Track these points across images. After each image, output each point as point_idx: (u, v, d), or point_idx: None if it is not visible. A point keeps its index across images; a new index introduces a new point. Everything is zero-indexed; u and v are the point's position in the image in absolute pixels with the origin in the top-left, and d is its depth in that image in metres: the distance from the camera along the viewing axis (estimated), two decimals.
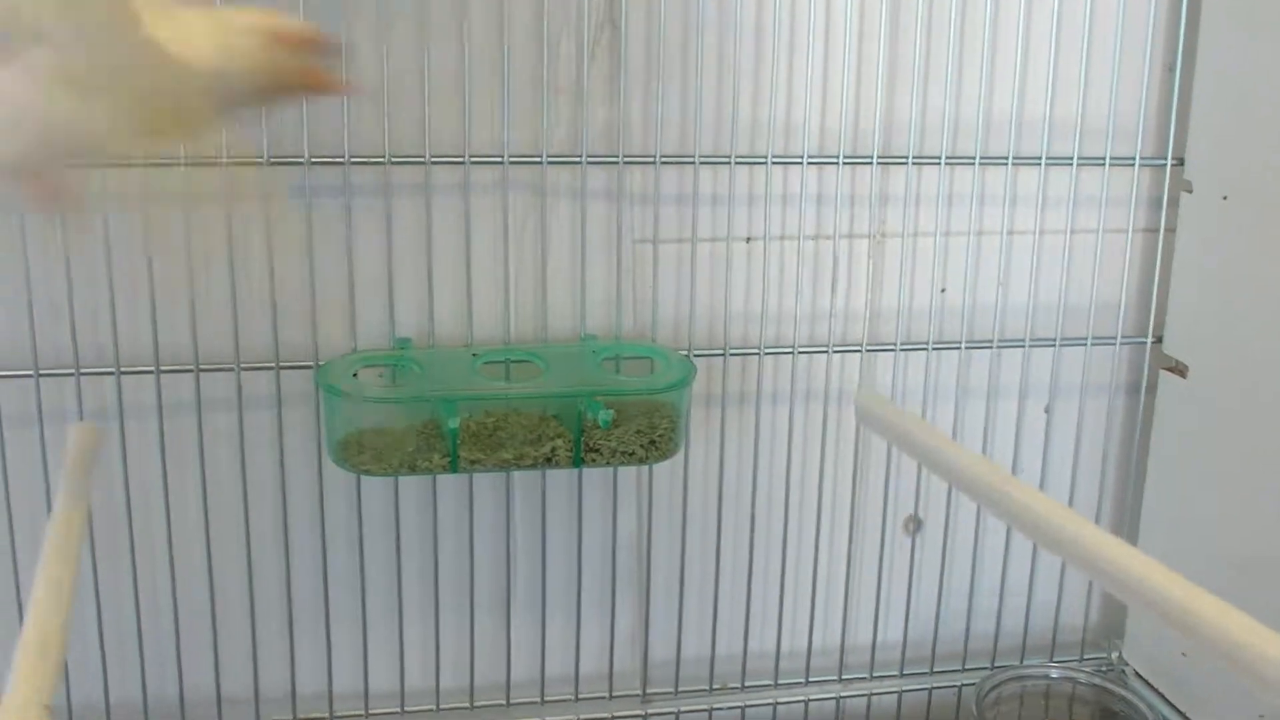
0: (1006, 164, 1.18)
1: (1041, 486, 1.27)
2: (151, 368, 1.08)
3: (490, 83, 1.09)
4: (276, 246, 1.07)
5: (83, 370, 1.07)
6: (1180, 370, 1.21)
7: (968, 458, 0.94)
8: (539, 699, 1.24)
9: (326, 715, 1.19)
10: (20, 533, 1.09)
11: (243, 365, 1.09)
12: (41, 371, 1.06)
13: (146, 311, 1.06)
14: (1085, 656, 1.33)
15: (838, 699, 1.29)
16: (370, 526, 1.16)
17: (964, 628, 1.30)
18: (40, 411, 1.06)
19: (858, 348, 1.20)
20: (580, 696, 1.24)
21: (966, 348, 1.22)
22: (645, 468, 1.19)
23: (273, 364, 1.09)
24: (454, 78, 1.08)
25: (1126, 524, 1.29)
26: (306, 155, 1.05)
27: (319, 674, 1.19)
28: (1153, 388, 1.26)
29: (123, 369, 1.08)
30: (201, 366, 1.09)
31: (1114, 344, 1.24)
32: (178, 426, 1.10)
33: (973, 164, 1.17)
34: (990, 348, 1.22)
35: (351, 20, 1.05)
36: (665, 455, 1.08)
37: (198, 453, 1.10)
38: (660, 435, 1.07)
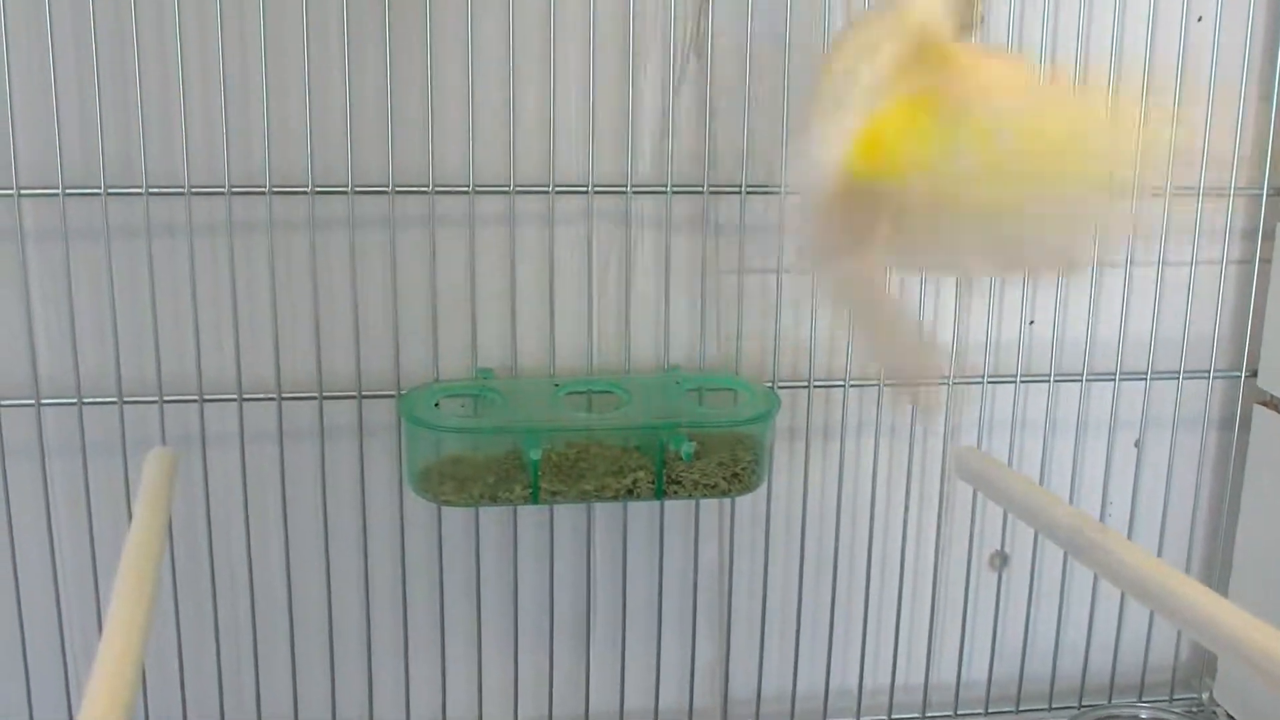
0: None
1: (1131, 523, 1.25)
2: (234, 396, 1.08)
3: (576, 112, 1.08)
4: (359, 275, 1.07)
5: (166, 398, 1.07)
6: (1275, 405, 1.19)
7: (1060, 509, 0.92)
8: None
9: None
10: (102, 560, 1.09)
11: (325, 394, 1.09)
12: (126, 399, 1.06)
13: (230, 340, 1.06)
14: (1175, 696, 1.30)
15: None
16: (450, 556, 1.15)
17: (1050, 665, 1.27)
18: (124, 439, 1.06)
19: (944, 380, 1.18)
20: None
21: (1055, 381, 1.19)
22: (727, 500, 1.18)
23: (355, 393, 1.09)
24: (539, 107, 1.07)
25: (1218, 562, 1.26)
26: (391, 184, 1.05)
27: (397, 702, 1.18)
28: (1246, 423, 1.23)
29: (206, 397, 1.08)
30: (284, 395, 1.09)
31: (1207, 378, 1.21)
32: (260, 455, 1.10)
33: None
34: (1079, 381, 1.20)
35: (436, 49, 1.04)
36: (748, 489, 1.07)
37: (279, 481, 1.10)
38: (743, 468, 1.06)
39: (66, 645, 1.11)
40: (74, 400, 1.06)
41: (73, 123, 1.02)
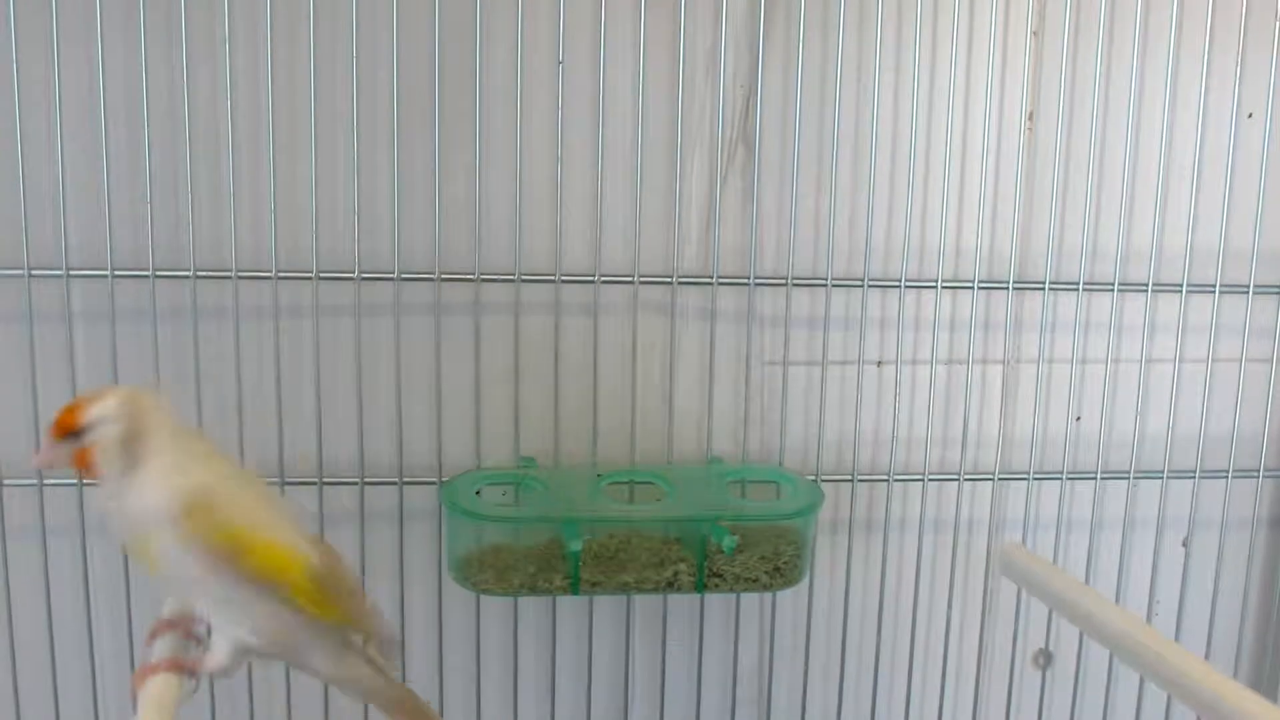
0: (1146, 290, 1.15)
1: (1178, 622, 1.23)
2: (277, 479, 1.07)
3: (622, 201, 1.09)
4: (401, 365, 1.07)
5: None
6: None
7: (1106, 609, 0.91)
8: None
9: None
10: (139, 644, 1.09)
11: (366, 479, 1.08)
12: None
13: (273, 422, 1.06)
14: None
15: None
16: (488, 645, 1.14)
17: None
18: None
19: (989, 476, 1.17)
20: None
21: (1102, 478, 1.18)
22: (769, 594, 1.17)
23: (396, 479, 1.09)
24: (586, 196, 1.08)
25: (1269, 662, 1.24)
26: (438, 272, 1.05)
27: None
28: None
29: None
30: (325, 480, 1.08)
31: (1256, 477, 1.20)
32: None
33: (1111, 290, 1.14)
34: (1126, 478, 1.19)
35: (484, 138, 1.05)
36: (790, 583, 1.05)
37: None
38: (785, 562, 1.05)
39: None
40: None
41: (122, 205, 1.03)
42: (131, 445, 0.76)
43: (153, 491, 0.75)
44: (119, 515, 0.76)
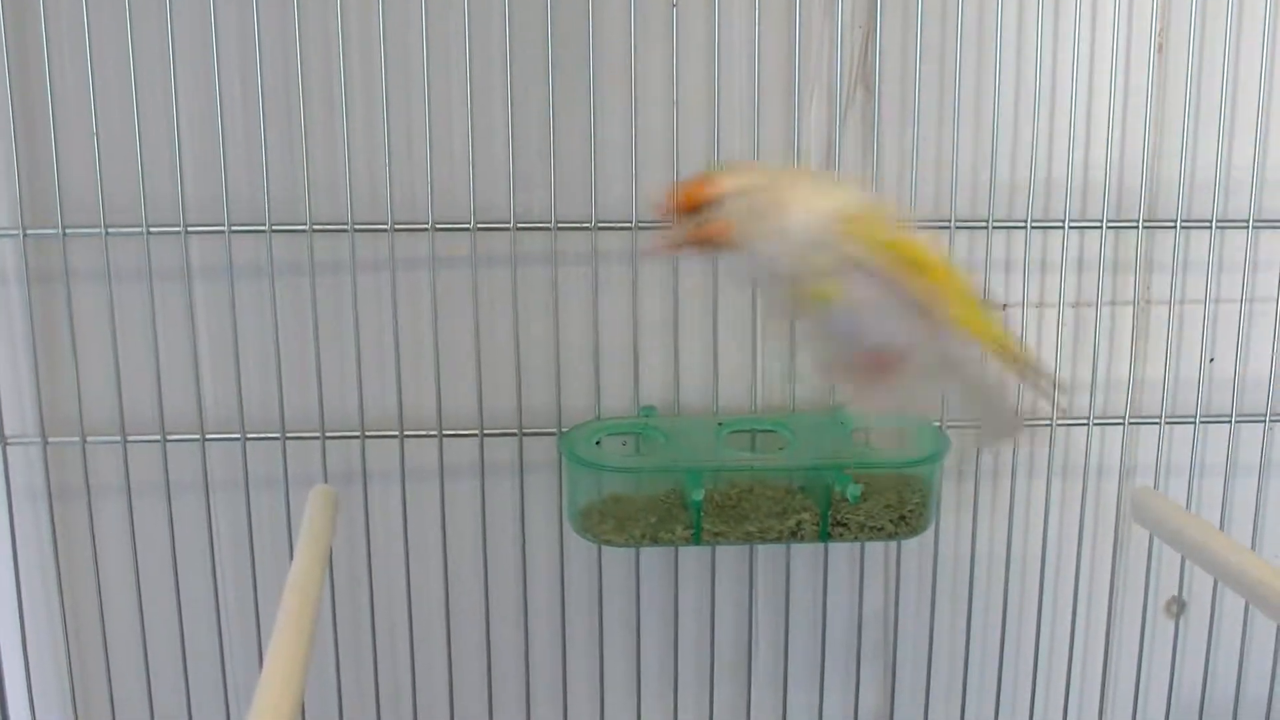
0: None
1: None
2: (395, 433, 1.07)
3: (740, 147, 1.07)
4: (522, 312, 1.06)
5: (329, 435, 1.07)
6: None
7: (1242, 557, 0.88)
8: None
9: None
10: (264, 594, 1.10)
11: (486, 431, 1.08)
12: (289, 435, 1.07)
13: (392, 376, 1.06)
14: None
15: None
16: (610, 596, 1.14)
17: (1231, 716, 1.22)
18: (286, 475, 1.07)
19: (1120, 420, 1.14)
20: None
21: (1237, 422, 1.15)
22: (893, 543, 1.15)
23: (516, 430, 1.08)
24: (704, 142, 1.06)
25: None
26: (554, 221, 1.04)
27: None
28: None
29: (368, 434, 1.08)
30: (445, 432, 1.08)
31: None
32: (420, 492, 1.10)
33: (1245, 227, 1.11)
34: (1263, 421, 1.15)
35: (599, 86, 1.03)
36: (915, 531, 1.04)
37: (439, 518, 1.10)
38: (911, 511, 1.03)
39: (228, 678, 1.11)
40: (238, 436, 1.07)
41: (238, 161, 1.03)
42: (769, 213, 0.75)
43: (804, 215, 0.74)
44: (770, 256, 0.75)
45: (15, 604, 1.08)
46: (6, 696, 1.10)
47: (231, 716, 1.12)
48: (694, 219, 0.75)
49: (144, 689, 1.12)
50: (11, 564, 1.08)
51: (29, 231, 1.02)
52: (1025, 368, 0.80)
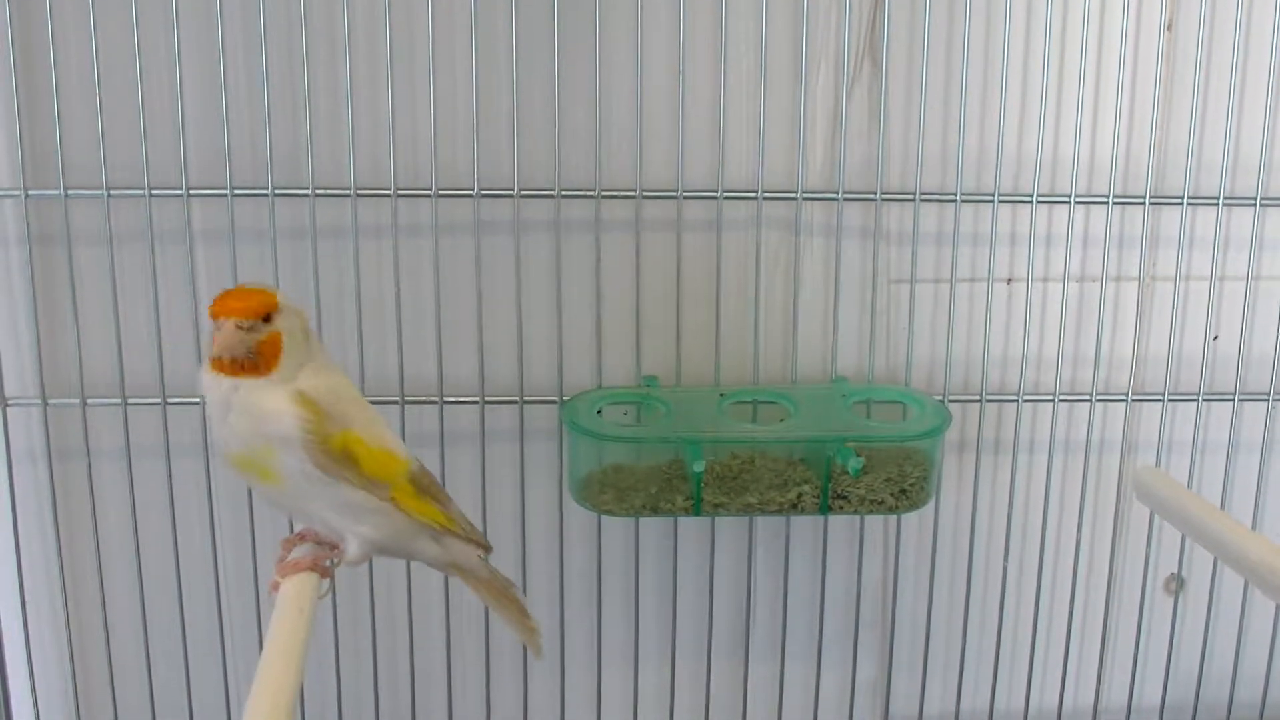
0: None
1: None
2: (396, 399, 1.07)
3: (746, 116, 1.06)
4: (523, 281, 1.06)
5: None
6: None
7: (1242, 536, 0.88)
8: None
9: None
10: (263, 560, 1.10)
11: (487, 399, 1.08)
12: None
13: (393, 343, 1.06)
14: None
15: None
16: (609, 565, 1.14)
17: (1228, 695, 1.22)
18: None
19: (1123, 397, 1.14)
20: None
21: (1240, 400, 1.14)
22: (893, 516, 1.15)
23: (517, 398, 1.08)
24: (709, 112, 1.05)
25: None
26: (558, 189, 1.04)
27: (551, 712, 1.17)
28: None
29: (369, 398, 1.07)
30: (446, 399, 1.08)
31: None
32: (421, 457, 1.08)
33: (1252, 205, 1.10)
34: (1265, 400, 1.15)
35: (604, 53, 1.03)
36: (916, 505, 1.03)
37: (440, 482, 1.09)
38: (911, 484, 1.03)
39: (226, 640, 1.12)
40: None
41: (241, 124, 1.03)
42: (306, 340, 0.80)
43: (279, 403, 0.78)
44: (245, 418, 0.77)
45: (14, 565, 1.08)
46: (5, 656, 1.10)
47: (229, 679, 1.13)
48: (256, 329, 0.77)
49: (142, 649, 1.12)
50: (11, 525, 1.08)
51: (30, 193, 1.01)
52: (478, 545, 0.91)
